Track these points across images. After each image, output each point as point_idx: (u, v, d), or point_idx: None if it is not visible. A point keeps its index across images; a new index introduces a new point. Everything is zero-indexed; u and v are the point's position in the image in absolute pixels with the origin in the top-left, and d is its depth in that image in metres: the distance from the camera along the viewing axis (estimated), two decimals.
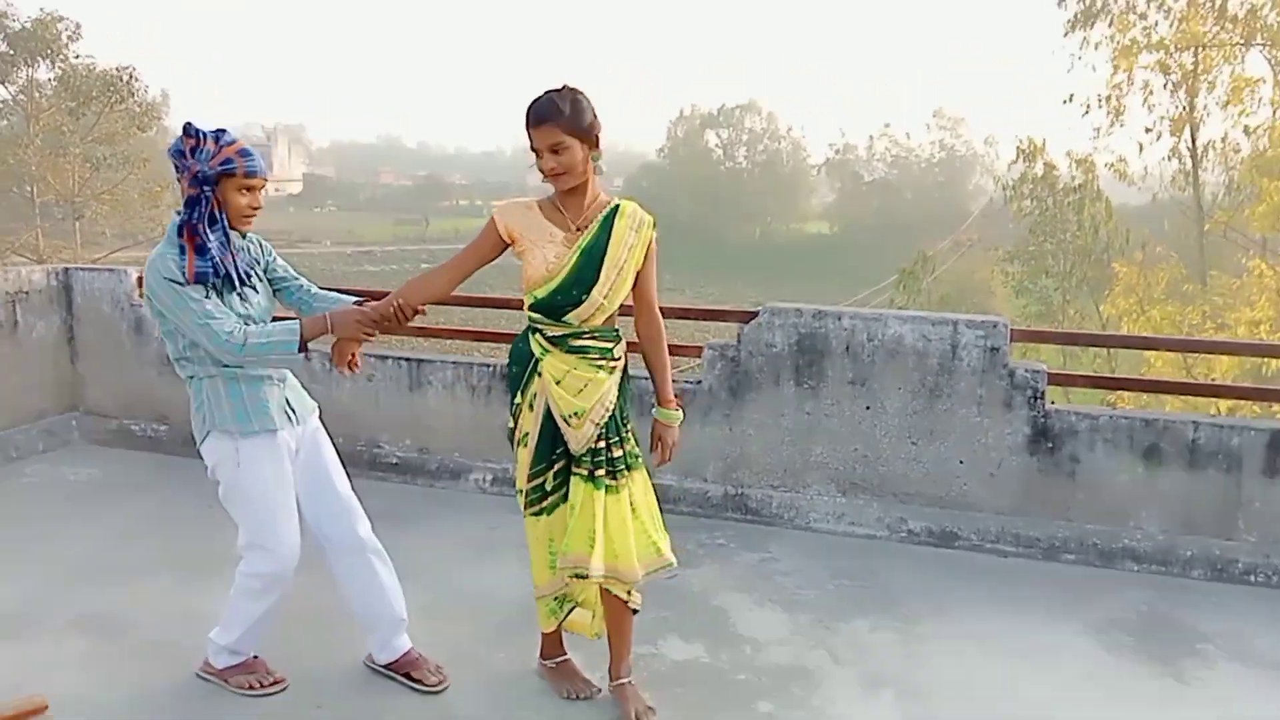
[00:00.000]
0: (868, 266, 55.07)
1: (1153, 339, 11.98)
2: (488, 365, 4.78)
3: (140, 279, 5.33)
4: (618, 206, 2.70)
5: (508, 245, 2.70)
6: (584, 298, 2.64)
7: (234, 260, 2.69)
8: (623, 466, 2.70)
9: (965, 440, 4.16)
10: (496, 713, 2.86)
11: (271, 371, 2.79)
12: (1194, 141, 20.81)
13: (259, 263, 2.85)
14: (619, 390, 2.72)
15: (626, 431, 2.73)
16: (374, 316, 2.64)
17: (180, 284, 2.58)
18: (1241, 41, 18.75)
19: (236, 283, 2.70)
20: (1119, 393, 13.36)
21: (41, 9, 26.81)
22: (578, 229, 2.67)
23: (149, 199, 29.25)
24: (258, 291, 2.80)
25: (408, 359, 4.89)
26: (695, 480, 4.50)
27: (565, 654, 3.03)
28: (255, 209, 2.72)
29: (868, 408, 4.24)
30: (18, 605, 3.46)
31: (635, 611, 2.83)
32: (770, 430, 4.38)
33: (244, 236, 2.80)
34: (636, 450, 2.76)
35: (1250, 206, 17.55)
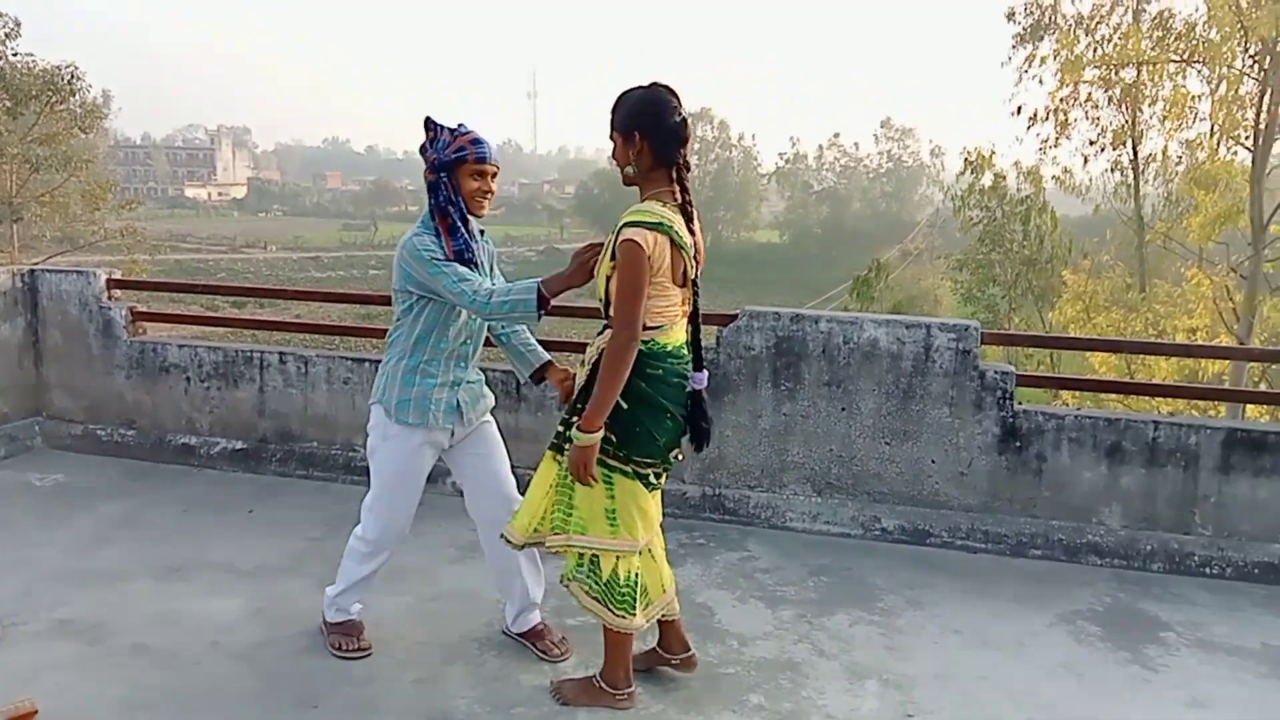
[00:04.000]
0: (817, 275, 55.88)
1: (1118, 341, 12.42)
2: None
3: (109, 280, 5.26)
4: (630, 208, 2.71)
5: None
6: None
7: (479, 249, 3.01)
8: (559, 442, 2.81)
9: (937, 440, 4.29)
10: (490, 712, 2.89)
11: (452, 375, 3.04)
12: (1135, 154, 21.49)
13: (493, 259, 3.14)
14: (586, 383, 2.75)
15: (577, 418, 2.71)
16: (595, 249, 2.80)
17: (440, 259, 2.85)
18: (1179, 59, 19.41)
19: (480, 271, 2.98)
20: (1062, 395, 13.81)
21: None
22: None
23: (89, 202, 28.48)
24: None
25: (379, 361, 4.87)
26: (673, 481, 4.56)
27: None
28: (487, 193, 2.98)
29: (843, 409, 4.35)
30: None
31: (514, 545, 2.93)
32: (748, 432, 4.47)
33: (483, 234, 3.08)
34: (565, 433, 2.77)
35: (1187, 218, 18.18)
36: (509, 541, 2.91)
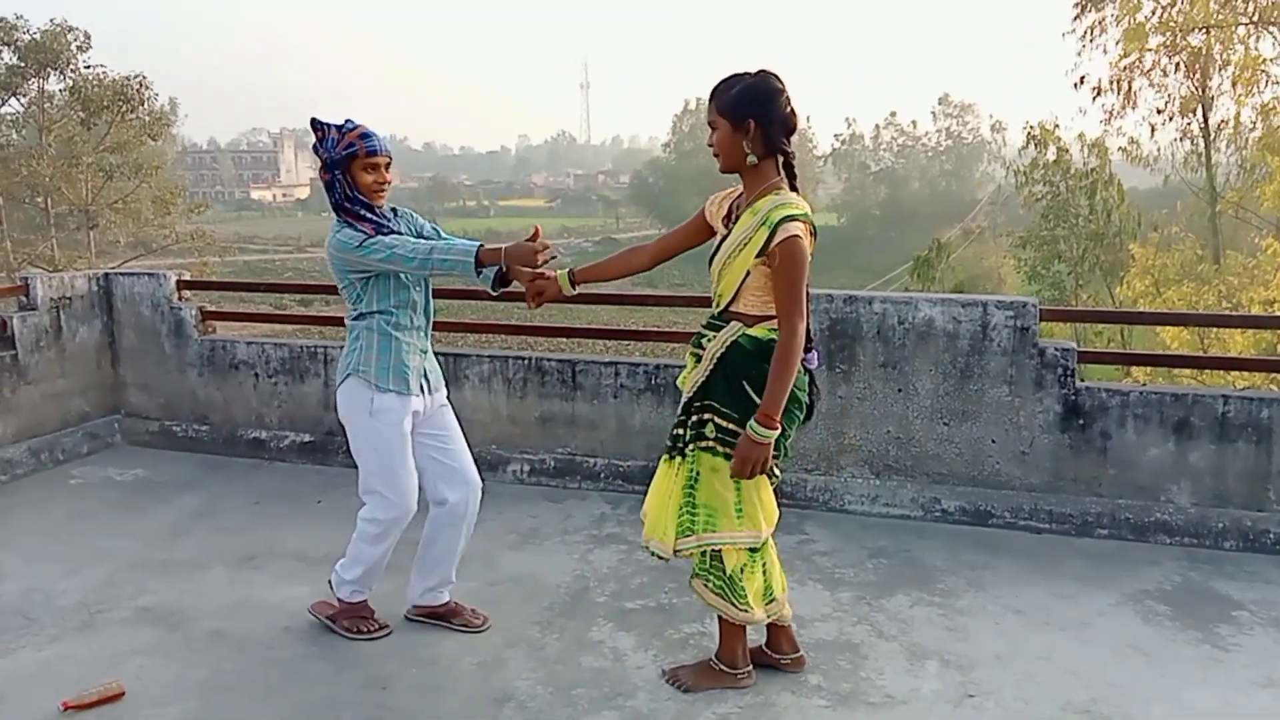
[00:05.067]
0: (876, 257, 55.06)
1: (1184, 315, 12.14)
2: (523, 358, 4.87)
3: (179, 282, 5.45)
4: (769, 200, 2.64)
5: (713, 228, 2.82)
6: (710, 282, 2.77)
7: (399, 223, 3.10)
8: (681, 444, 2.79)
9: (996, 420, 4.23)
10: (552, 693, 2.95)
11: (419, 344, 3.13)
12: (1205, 122, 20.77)
13: (414, 232, 3.18)
14: (709, 379, 2.73)
15: (700, 417, 2.74)
16: (545, 247, 2.91)
17: (361, 241, 2.94)
18: (1248, 22, 18.69)
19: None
20: (1134, 372, 13.45)
21: (51, 20, 26.94)
22: (733, 220, 2.74)
23: (160, 207, 29.42)
24: None
25: (444, 354, 4.98)
26: None
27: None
28: (383, 184, 3.04)
29: (900, 390, 4.32)
30: (83, 597, 3.57)
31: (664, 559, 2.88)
32: (815, 414, 4.44)
33: (396, 214, 3.15)
34: (709, 434, 2.73)
35: (1261, 186, 17.52)
36: (659, 557, 2.84)
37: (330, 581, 3.31)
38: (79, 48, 27.02)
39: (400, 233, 3.09)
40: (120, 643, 3.24)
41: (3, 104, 27.64)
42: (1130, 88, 20.70)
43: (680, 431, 2.80)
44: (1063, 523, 4.18)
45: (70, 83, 26.97)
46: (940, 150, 76.82)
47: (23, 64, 26.64)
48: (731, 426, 2.70)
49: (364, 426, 3.08)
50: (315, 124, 3.00)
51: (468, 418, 4.92)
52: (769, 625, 3.01)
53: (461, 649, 3.20)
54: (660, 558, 2.86)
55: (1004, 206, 46.17)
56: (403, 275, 3.04)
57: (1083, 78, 21.08)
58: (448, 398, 3.33)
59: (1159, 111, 20.82)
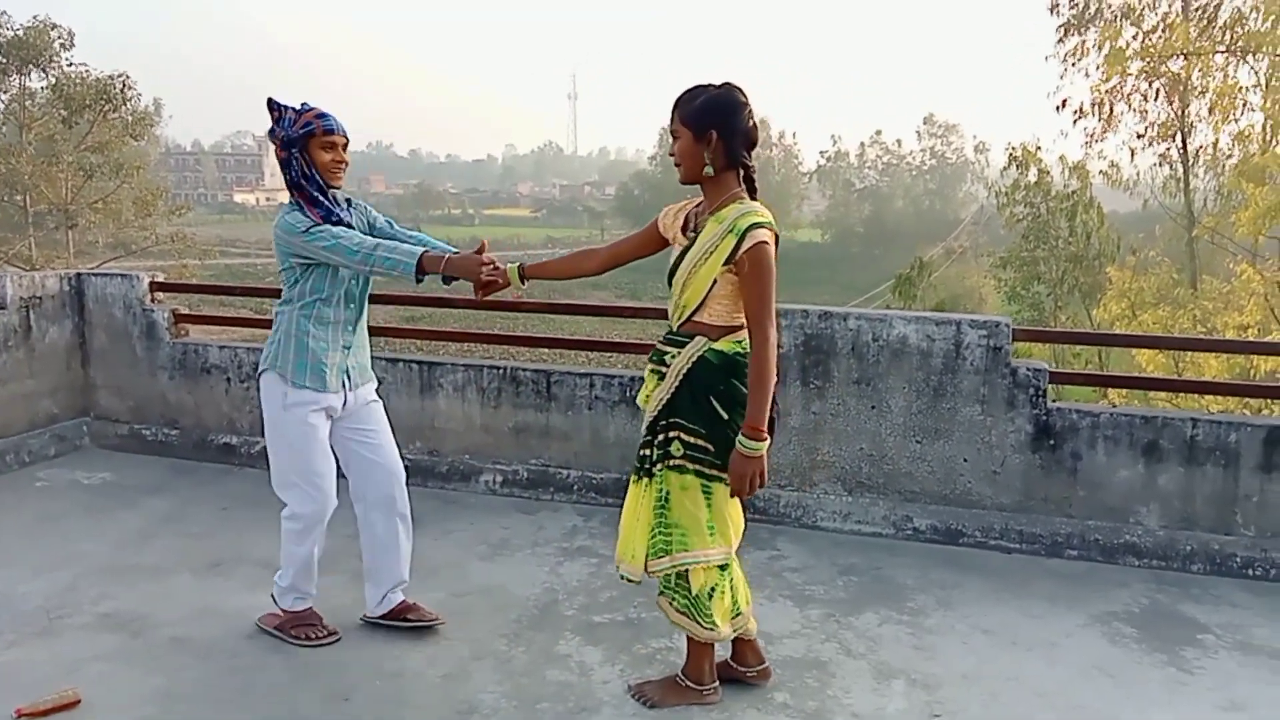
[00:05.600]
0: (860, 274, 55.40)
1: (1158, 338, 12.25)
2: (497, 368, 4.85)
3: (153, 284, 5.40)
4: (734, 209, 2.64)
5: (666, 240, 2.82)
6: (671, 295, 2.75)
7: (347, 214, 3.12)
8: (648, 464, 2.77)
9: (969, 438, 4.25)
10: (516, 706, 2.93)
11: (342, 340, 3.14)
12: (1184, 148, 21.04)
13: (366, 225, 3.22)
14: (674, 396, 2.70)
15: (665, 435, 2.72)
16: (489, 262, 2.98)
17: (312, 227, 2.97)
18: (1225, 50, 18.97)
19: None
20: (1110, 394, 13.58)
21: (34, 17, 26.75)
22: (694, 230, 2.73)
23: (141, 208, 29.21)
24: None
25: (419, 362, 4.96)
26: None
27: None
28: (340, 163, 3.07)
29: (873, 407, 4.33)
30: (44, 602, 3.52)
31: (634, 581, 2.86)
32: (777, 431, 4.45)
33: (350, 205, 3.17)
34: (676, 452, 2.71)
35: (1237, 212, 17.75)
36: (629, 580, 2.82)
37: (272, 595, 3.30)
38: (62, 45, 26.88)
39: (350, 224, 3.10)
40: (80, 649, 3.19)
41: None
42: (1111, 111, 20.96)
43: (646, 452, 2.78)
44: (1033, 543, 4.19)
45: (53, 80, 26.79)
46: (924, 169, 77.51)
47: (4, 60, 26.44)
48: (698, 442, 2.69)
49: (279, 420, 3.12)
50: (271, 104, 3.03)
51: (441, 426, 4.92)
52: (734, 639, 3.00)
53: (426, 661, 3.17)
54: (631, 581, 2.84)
55: (986, 227, 46.51)
56: (341, 269, 3.06)
57: (1065, 100, 21.34)
58: (378, 392, 3.35)
59: (1139, 136, 21.09)
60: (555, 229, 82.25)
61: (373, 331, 6.96)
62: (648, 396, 2.81)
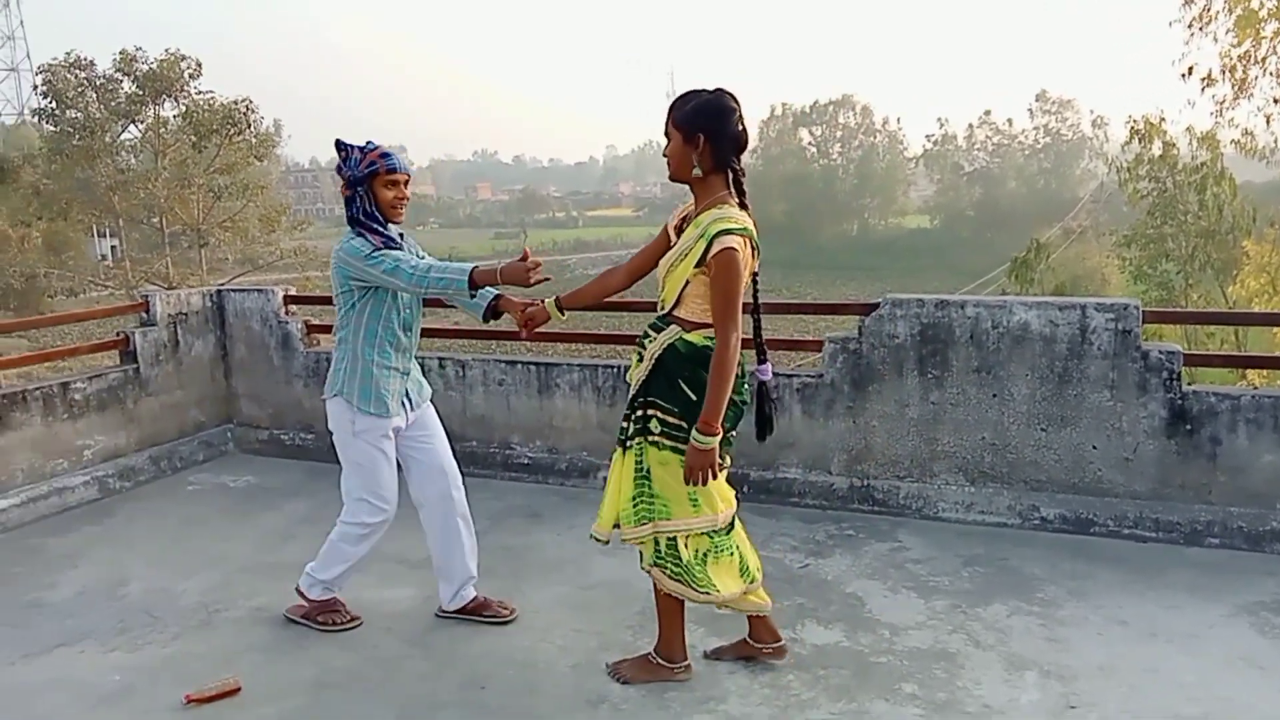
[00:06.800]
0: (972, 259, 53.69)
1: None
2: (611, 367, 4.94)
3: (286, 297, 5.70)
4: (711, 214, 2.75)
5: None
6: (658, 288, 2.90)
7: (404, 246, 3.26)
8: (625, 437, 2.90)
9: (1097, 425, 4.11)
10: (645, 696, 2.99)
11: (401, 365, 3.30)
12: None
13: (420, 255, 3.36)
14: (649, 378, 2.84)
15: (644, 412, 2.84)
16: (536, 265, 3.03)
17: (370, 252, 3.11)
18: None
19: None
20: (1250, 375, 12.80)
21: (166, 50, 28.39)
22: (677, 231, 2.88)
23: (265, 225, 30.66)
24: None
25: (537, 364, 5.10)
26: (820, 473, 4.56)
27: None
28: (402, 199, 3.24)
29: (994, 395, 4.24)
30: (202, 598, 3.78)
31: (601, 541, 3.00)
32: (895, 421, 4.41)
33: (402, 238, 3.29)
34: (654, 429, 2.82)
35: None
36: (597, 539, 3.00)
37: (298, 587, 3.49)
38: (190, 75, 28.38)
39: (406, 249, 3.26)
40: (236, 641, 3.42)
41: (124, 131, 29.21)
42: (1244, 77, 19.71)
43: (625, 424, 2.91)
44: (1170, 531, 4.03)
45: (183, 108, 28.36)
46: (1038, 148, 74.48)
47: (141, 92, 28.13)
48: (674, 421, 2.81)
49: (349, 444, 3.31)
50: (339, 145, 3.21)
51: (559, 425, 5.04)
52: (749, 616, 3.07)
53: (557, 652, 3.27)
54: (599, 540, 2.97)
55: (1106, 204, 44.52)
56: (398, 293, 3.20)
57: (1191, 68, 20.09)
58: (448, 419, 3.54)
59: (1276, 101, 19.76)
60: (657, 226, 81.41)
61: (485, 335, 7.17)
62: (632, 374, 2.94)
